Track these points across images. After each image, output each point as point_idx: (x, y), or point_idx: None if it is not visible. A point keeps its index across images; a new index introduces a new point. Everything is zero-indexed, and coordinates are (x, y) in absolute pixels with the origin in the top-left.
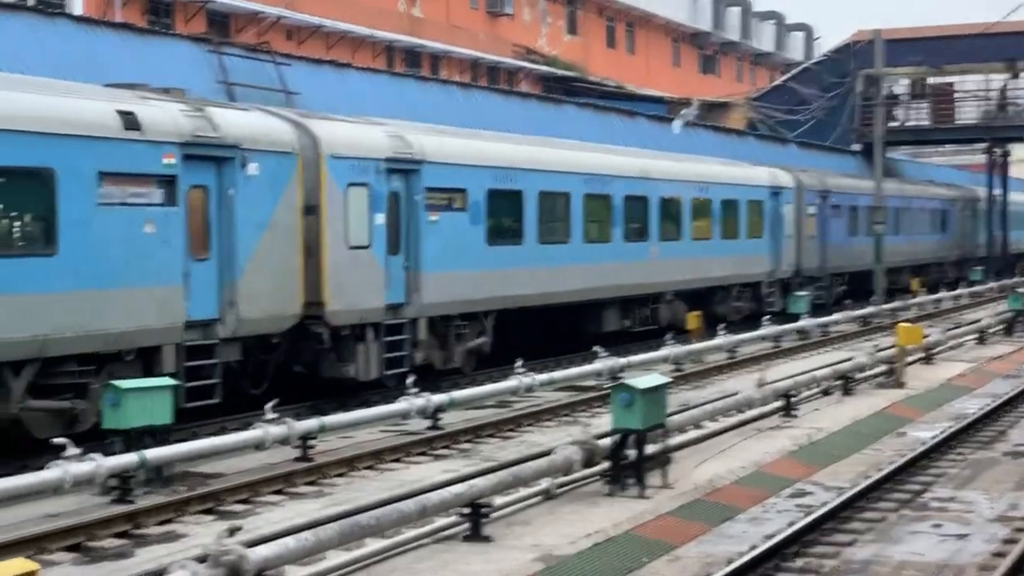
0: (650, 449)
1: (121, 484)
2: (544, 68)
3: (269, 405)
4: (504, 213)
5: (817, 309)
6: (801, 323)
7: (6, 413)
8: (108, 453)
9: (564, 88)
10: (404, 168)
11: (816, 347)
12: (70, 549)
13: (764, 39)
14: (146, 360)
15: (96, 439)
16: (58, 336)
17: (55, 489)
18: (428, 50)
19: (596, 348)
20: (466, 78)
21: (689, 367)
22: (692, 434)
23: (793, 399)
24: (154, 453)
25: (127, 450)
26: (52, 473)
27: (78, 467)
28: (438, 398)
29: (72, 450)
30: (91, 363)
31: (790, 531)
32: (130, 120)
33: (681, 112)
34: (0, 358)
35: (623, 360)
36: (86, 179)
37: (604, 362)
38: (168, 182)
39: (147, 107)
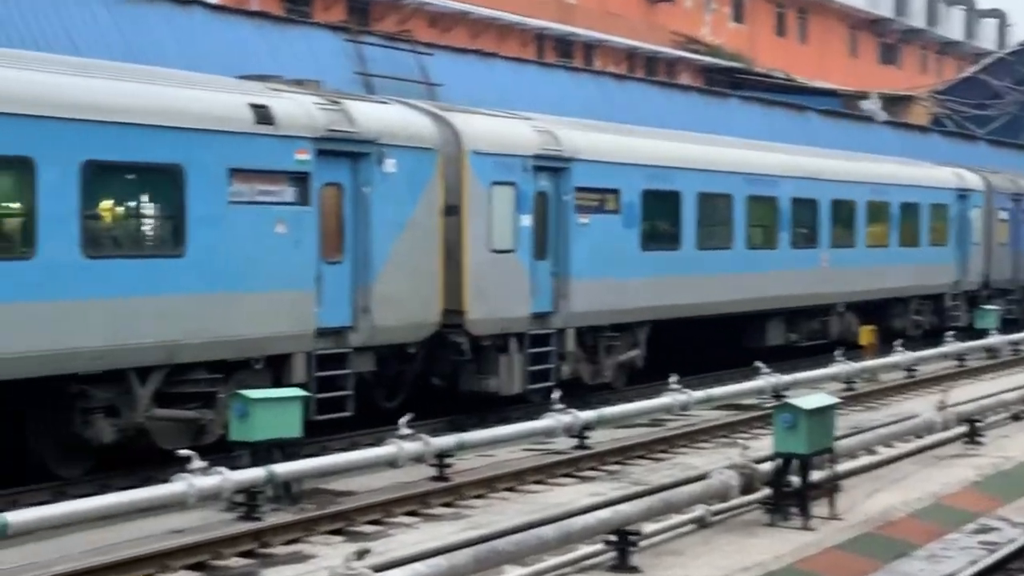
0: (816, 476)
1: (247, 500)
2: (706, 58)
3: (404, 420)
4: (660, 216)
5: (1008, 325)
6: (989, 340)
7: (131, 422)
8: (235, 467)
9: (728, 80)
10: (552, 166)
11: (1006, 367)
12: (194, 568)
13: (952, 26)
14: (275, 369)
15: (222, 451)
16: (186, 341)
17: (179, 503)
18: (581, 39)
19: (758, 364)
20: (621, 69)
21: (861, 386)
22: (863, 460)
23: (978, 424)
24: (283, 468)
25: (254, 464)
26: (177, 487)
27: (203, 481)
28: (586, 415)
29: (198, 463)
30: (219, 371)
31: (972, 571)
32: (262, 114)
33: (861, 105)
34: (127, 364)
35: (788, 377)
36: (216, 176)
37: (767, 379)
38: (300, 179)
39: (280, 100)
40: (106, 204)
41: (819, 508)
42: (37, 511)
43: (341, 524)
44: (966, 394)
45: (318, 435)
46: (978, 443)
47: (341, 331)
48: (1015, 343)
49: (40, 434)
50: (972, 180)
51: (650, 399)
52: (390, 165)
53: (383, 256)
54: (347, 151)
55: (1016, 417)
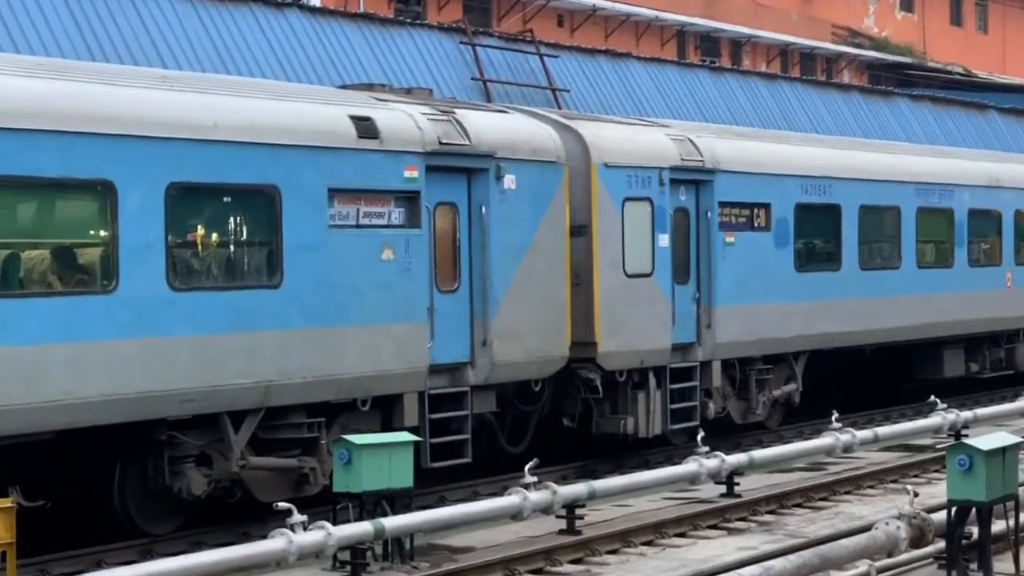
0: (998, 527)
1: (354, 558)
2: (871, 53)
3: (529, 466)
4: (817, 232)
5: None
6: None
7: (225, 472)
8: (339, 521)
9: (895, 77)
10: (693, 179)
11: None
12: None
13: None
14: (384, 411)
15: (325, 504)
16: (284, 381)
17: (279, 562)
18: (727, 35)
19: (933, 398)
20: (773, 68)
21: None
22: None
23: None
24: (393, 522)
25: (361, 518)
26: (276, 543)
27: (305, 537)
28: (735, 459)
29: (298, 517)
30: (320, 414)
31: None
32: (366, 127)
33: None
34: (220, 407)
35: (967, 414)
36: (314, 197)
37: (943, 416)
38: (409, 199)
39: (386, 111)
40: (193, 231)
41: (1002, 564)
42: (124, 572)
43: None
44: None
45: (433, 484)
46: None
47: (457, 368)
48: None
49: (126, 486)
50: None
51: (808, 440)
52: (510, 181)
53: (503, 283)
54: (461, 167)
55: None
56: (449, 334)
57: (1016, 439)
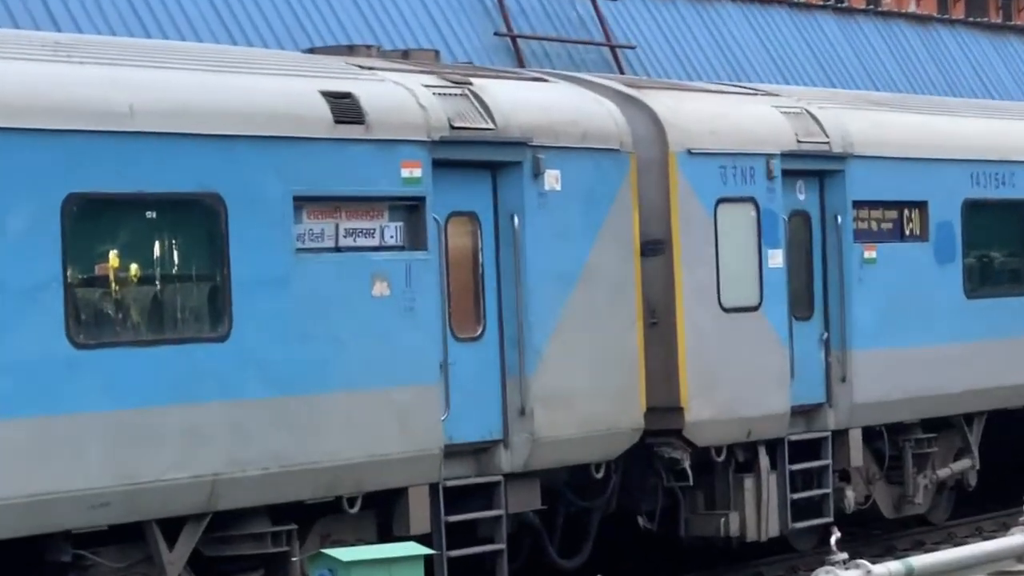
0: None
1: None
2: None
3: None
4: (996, 241)
5: None
6: None
7: None
8: None
9: None
10: (816, 169)
11: None
12: None
13: None
14: (381, 513)
15: None
16: (237, 474)
17: None
18: None
19: None
20: (928, 7)
21: None
22: None
23: None
24: None
25: None
26: None
27: None
28: (885, 569)
29: None
30: (290, 519)
31: None
32: (345, 107)
33: None
34: (146, 513)
35: None
36: (274, 209)
37: None
38: (411, 209)
39: (373, 84)
40: (103, 263)
41: None
42: None
43: None
44: None
45: None
46: None
47: (484, 448)
48: None
49: None
50: None
51: (991, 539)
52: (553, 180)
53: (547, 326)
54: (484, 161)
55: None
56: (471, 400)
57: None
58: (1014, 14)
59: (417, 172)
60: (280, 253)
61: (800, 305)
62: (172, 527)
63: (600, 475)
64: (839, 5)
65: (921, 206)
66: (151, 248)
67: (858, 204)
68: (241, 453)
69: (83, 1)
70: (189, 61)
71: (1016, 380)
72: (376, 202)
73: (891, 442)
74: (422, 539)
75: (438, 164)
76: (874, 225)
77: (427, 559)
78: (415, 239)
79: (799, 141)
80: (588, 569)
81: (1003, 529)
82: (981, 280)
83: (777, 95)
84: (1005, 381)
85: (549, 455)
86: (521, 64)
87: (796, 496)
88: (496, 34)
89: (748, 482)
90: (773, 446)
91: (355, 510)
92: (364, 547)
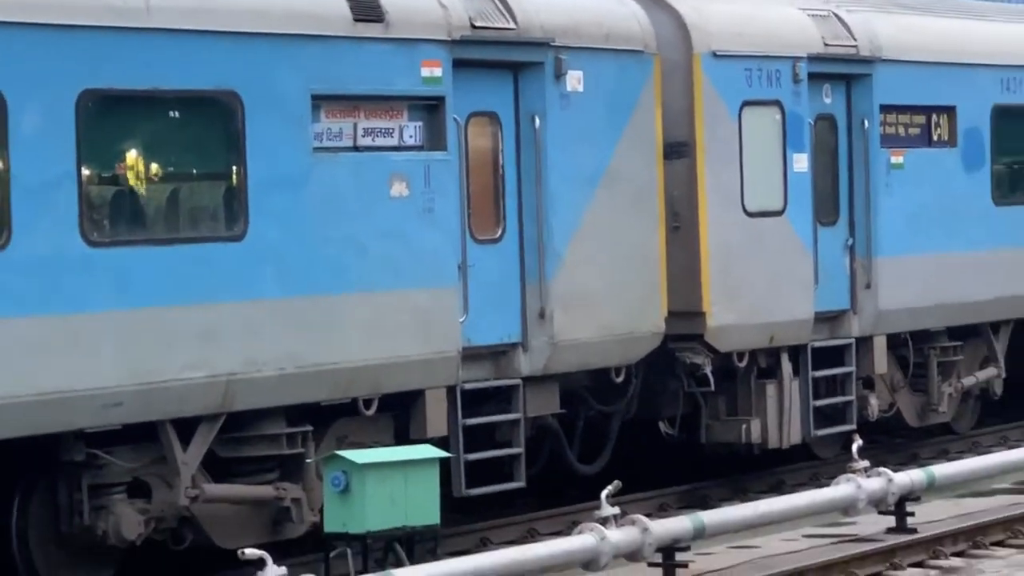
0: None
1: None
2: None
3: (607, 492)
4: None
5: None
6: None
7: (170, 506)
8: (334, 575)
9: None
10: (843, 72)
11: None
12: None
13: None
14: (398, 415)
15: (314, 549)
16: (252, 375)
17: None
18: None
19: None
20: None
21: None
22: None
23: None
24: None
25: (366, 569)
26: None
27: None
28: (908, 477)
29: (275, 569)
30: (306, 421)
31: None
32: (365, 5)
33: None
34: (160, 413)
35: None
36: (292, 108)
37: None
38: (431, 109)
39: None
40: (119, 161)
41: None
42: None
43: None
44: None
45: (470, 520)
46: None
47: (503, 351)
48: None
49: (28, 527)
50: None
51: (1015, 448)
52: (575, 81)
53: (568, 229)
54: (505, 61)
55: None
56: (490, 303)
57: None
58: None
59: (437, 71)
60: (297, 152)
61: (825, 210)
62: (186, 428)
63: (620, 379)
64: None
65: (949, 111)
66: (166, 146)
67: (885, 108)
68: (256, 353)
69: None
70: None
71: None
72: (395, 101)
73: (916, 350)
74: (439, 442)
75: (459, 64)
76: (901, 130)
77: (443, 462)
78: (435, 139)
79: (826, 44)
80: (606, 475)
81: None
82: (1010, 187)
83: None
84: None
85: (568, 358)
86: None
87: (819, 403)
88: None
89: (770, 388)
90: (796, 352)
91: (371, 412)
92: (379, 449)
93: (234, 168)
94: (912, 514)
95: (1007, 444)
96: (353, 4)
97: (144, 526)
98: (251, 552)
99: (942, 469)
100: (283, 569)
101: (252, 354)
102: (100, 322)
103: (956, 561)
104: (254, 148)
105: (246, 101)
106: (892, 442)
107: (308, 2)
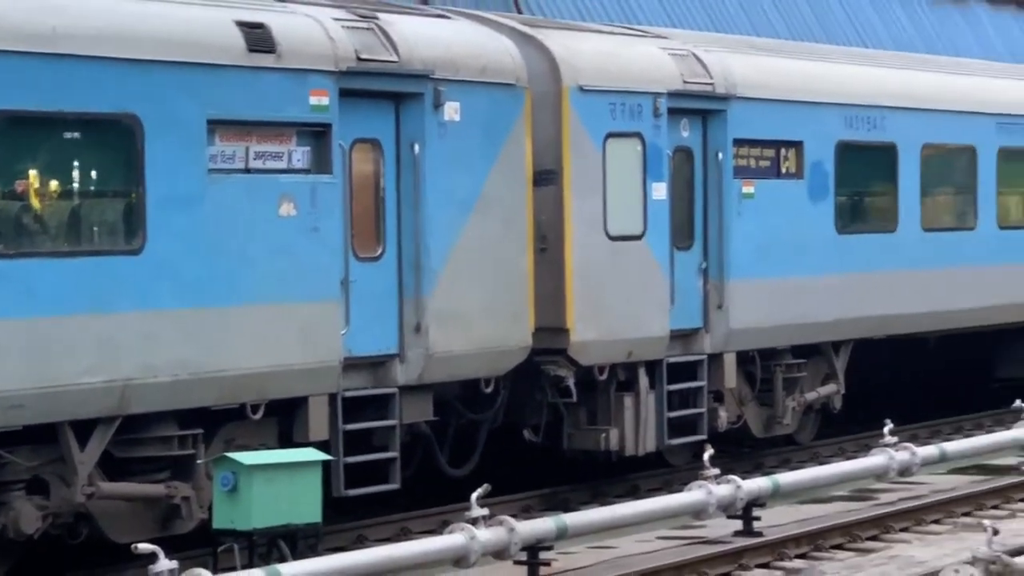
0: None
1: None
2: None
3: (477, 494)
4: (865, 181)
5: None
6: None
7: (67, 502)
8: (221, 568)
9: None
10: (700, 108)
11: None
12: None
13: None
14: (283, 420)
15: (204, 544)
16: (148, 380)
17: None
18: None
19: (1019, 403)
20: None
21: None
22: None
23: None
24: (293, 570)
25: (251, 564)
26: None
27: None
28: (754, 484)
29: (165, 563)
30: (196, 424)
31: None
32: (258, 37)
33: None
34: (59, 415)
35: None
36: (189, 132)
37: None
38: (317, 135)
39: (285, 16)
40: (23, 178)
41: None
42: None
43: None
44: None
45: (348, 519)
46: None
47: (381, 362)
48: None
49: None
50: None
51: (852, 459)
52: (452, 111)
53: (444, 248)
54: (388, 91)
55: None
56: (370, 317)
57: None
58: None
59: (324, 100)
60: (193, 173)
61: (681, 236)
62: (84, 429)
63: (489, 390)
64: None
65: (797, 146)
66: (70, 165)
67: (738, 142)
68: (152, 360)
69: None
70: None
71: (881, 311)
72: (285, 127)
73: (763, 366)
74: (320, 445)
75: (345, 93)
76: (753, 162)
77: (325, 464)
78: (321, 163)
79: (685, 81)
80: (475, 478)
81: (864, 450)
82: (852, 217)
83: (665, 38)
84: (871, 312)
85: (442, 370)
86: (425, 1)
87: (672, 414)
88: None
89: (628, 400)
90: (652, 367)
91: (258, 417)
92: (266, 451)
93: (134, 186)
94: (758, 519)
95: (845, 455)
96: (247, 35)
97: (42, 521)
98: (144, 547)
99: (786, 477)
100: (173, 563)
101: (148, 360)
102: (5, 329)
103: (799, 563)
104: (153, 168)
105: (146, 124)
106: (739, 451)
107: (206, 33)
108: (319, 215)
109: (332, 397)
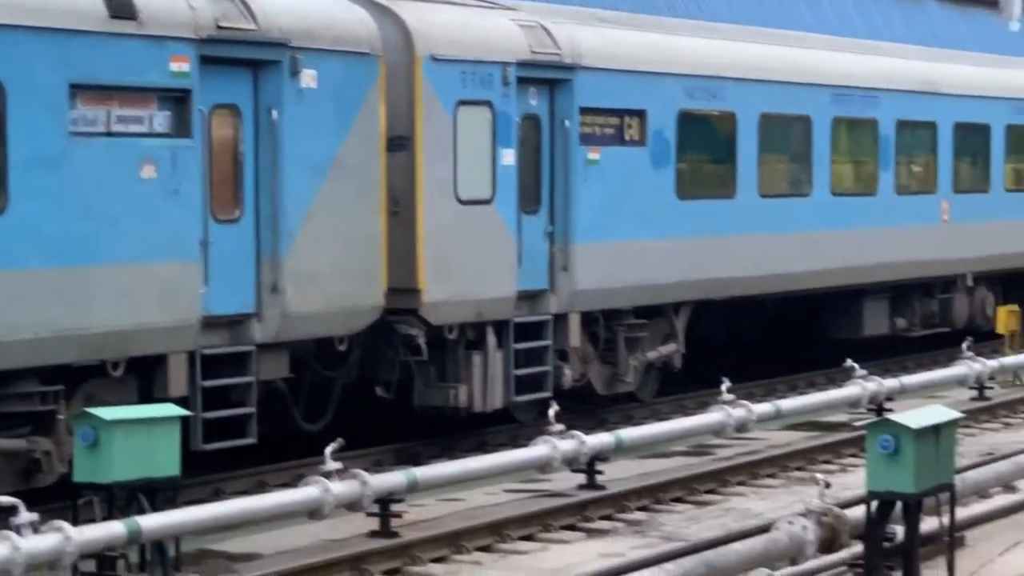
0: (928, 525)
1: (100, 568)
2: None
3: (330, 449)
4: (705, 148)
5: None
6: None
7: None
8: (82, 520)
9: None
10: (547, 77)
11: None
12: None
13: None
14: (143, 377)
15: (64, 498)
16: (9, 338)
17: (2, 572)
18: None
19: (849, 363)
20: None
21: (999, 394)
22: (999, 501)
23: None
24: (152, 521)
25: (111, 516)
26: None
27: (34, 542)
28: (597, 440)
29: (26, 515)
30: (57, 381)
31: None
32: (119, 4)
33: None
34: None
35: (892, 382)
36: (50, 96)
37: (862, 385)
38: (178, 100)
39: None
40: None
41: (933, 571)
42: None
43: None
44: None
45: (206, 472)
46: None
47: (239, 321)
48: None
49: None
50: None
51: (692, 416)
52: (309, 78)
53: (300, 211)
54: (246, 59)
55: None
56: (228, 277)
57: (953, 414)
58: None
59: (185, 67)
60: (55, 136)
61: (529, 200)
62: None
63: (343, 348)
64: None
65: (641, 114)
66: None
67: (584, 110)
68: (14, 318)
69: None
70: None
71: (720, 274)
72: (146, 92)
73: (606, 326)
74: (180, 402)
75: (205, 60)
76: (598, 130)
77: (183, 419)
78: (181, 128)
79: (533, 52)
80: (330, 433)
81: (703, 407)
82: (692, 184)
83: (515, 9)
84: (710, 275)
85: (298, 328)
86: None
87: (519, 372)
88: None
89: (476, 358)
90: (500, 326)
91: (119, 373)
92: (126, 407)
93: None
94: (601, 472)
95: (685, 412)
96: (109, 2)
97: None
98: (4, 499)
99: (628, 433)
100: (34, 515)
101: (10, 318)
102: None
103: (640, 515)
104: (15, 131)
105: (8, 88)
106: (583, 408)
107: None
108: (179, 178)
109: (191, 355)
